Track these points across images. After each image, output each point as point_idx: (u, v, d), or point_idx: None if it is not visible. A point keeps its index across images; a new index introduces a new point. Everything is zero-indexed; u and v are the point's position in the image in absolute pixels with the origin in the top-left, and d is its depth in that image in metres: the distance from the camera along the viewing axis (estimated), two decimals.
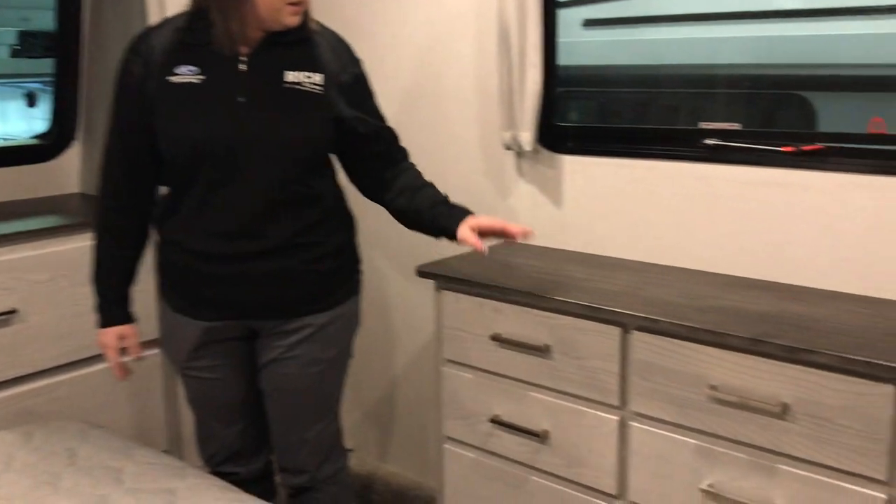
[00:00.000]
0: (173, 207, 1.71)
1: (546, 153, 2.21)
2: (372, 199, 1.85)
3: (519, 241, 1.73)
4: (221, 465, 1.92)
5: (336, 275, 1.80)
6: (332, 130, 1.71)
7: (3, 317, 2.16)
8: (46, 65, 2.83)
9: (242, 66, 1.65)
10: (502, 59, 2.13)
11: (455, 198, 2.34)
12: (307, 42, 1.70)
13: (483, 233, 1.73)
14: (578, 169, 2.18)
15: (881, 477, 1.43)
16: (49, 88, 2.85)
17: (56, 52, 2.74)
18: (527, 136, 2.12)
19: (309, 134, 1.68)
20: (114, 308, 1.83)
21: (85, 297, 2.30)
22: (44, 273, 2.24)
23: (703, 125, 2.03)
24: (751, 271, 1.91)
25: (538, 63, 2.08)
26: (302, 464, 1.89)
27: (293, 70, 1.66)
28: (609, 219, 2.14)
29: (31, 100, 8.86)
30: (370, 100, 1.81)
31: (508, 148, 2.19)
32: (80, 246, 2.31)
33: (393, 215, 1.84)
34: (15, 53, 10.35)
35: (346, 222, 1.84)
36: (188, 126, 1.64)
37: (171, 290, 1.79)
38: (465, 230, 1.73)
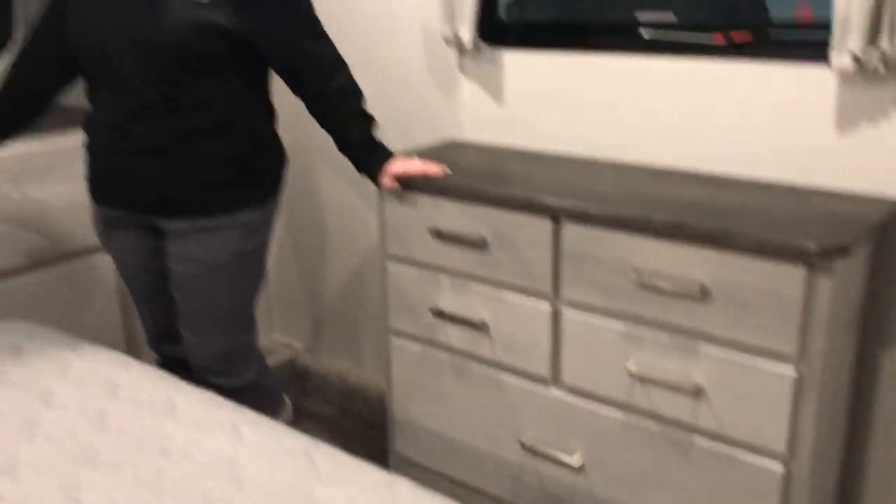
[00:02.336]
0: (88, 103, 1.83)
1: (487, 49, 2.20)
2: None
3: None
4: (159, 345, 2.07)
5: (222, 184, 1.80)
6: (209, 39, 1.67)
7: None
8: None
9: None
10: None
11: (396, 95, 2.35)
12: None
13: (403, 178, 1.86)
14: (519, 64, 2.18)
15: (792, 352, 1.51)
16: None
17: None
18: (466, 31, 2.10)
19: (177, 40, 1.66)
20: None
21: (31, 203, 2.32)
22: None
23: (639, 15, 2.02)
24: (681, 162, 1.95)
25: None
26: (204, 365, 1.95)
27: None
28: (549, 114, 2.15)
29: None
30: (278, 5, 1.72)
31: (448, 42, 2.17)
32: (23, 152, 2.29)
33: None
34: None
35: (244, 133, 1.81)
36: (77, 23, 1.76)
37: (87, 180, 1.92)
38: (386, 181, 1.87)
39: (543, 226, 1.77)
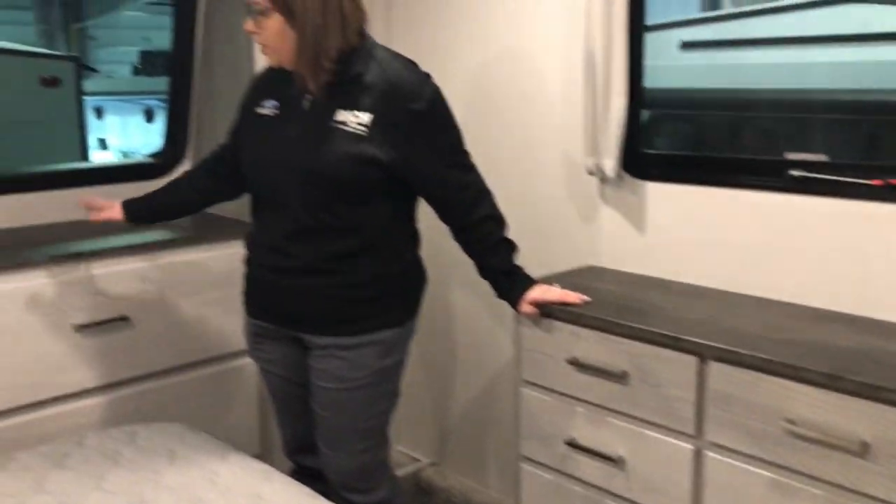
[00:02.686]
0: (252, 220, 1.97)
1: (630, 179, 2.23)
2: None
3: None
4: (296, 455, 2.12)
5: (367, 304, 1.87)
6: (367, 170, 1.77)
7: (116, 323, 2.34)
8: (165, 83, 3.02)
9: (307, 105, 1.80)
10: (587, 84, 2.16)
11: (537, 222, 2.41)
12: (360, 82, 1.77)
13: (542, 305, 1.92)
14: (662, 196, 2.19)
15: None
16: (165, 106, 3.04)
17: (171, 74, 2.93)
18: (610, 163, 2.15)
19: (337, 171, 1.76)
20: (138, 201, 2.14)
21: (190, 306, 2.49)
22: (153, 283, 2.41)
23: (790, 156, 2.01)
24: (833, 304, 1.88)
25: (623, 91, 2.11)
26: (339, 480, 1.98)
27: (344, 109, 1.77)
28: (691, 246, 2.14)
29: (149, 115, 9.44)
30: (428, 139, 1.79)
31: (591, 173, 2.22)
32: (186, 259, 2.49)
33: None
34: (136, 71, 11.06)
35: (391, 256, 1.88)
36: (251, 150, 1.90)
37: (242, 291, 2.05)
38: (525, 308, 1.92)
39: (688, 363, 1.73)
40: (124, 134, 9.60)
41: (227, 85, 2.72)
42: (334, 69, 1.75)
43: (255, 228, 1.96)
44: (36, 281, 2.21)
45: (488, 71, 2.53)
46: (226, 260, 2.54)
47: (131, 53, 12.77)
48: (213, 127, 2.83)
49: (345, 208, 1.80)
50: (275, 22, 1.73)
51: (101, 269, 2.32)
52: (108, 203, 2.14)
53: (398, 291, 1.93)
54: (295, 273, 1.87)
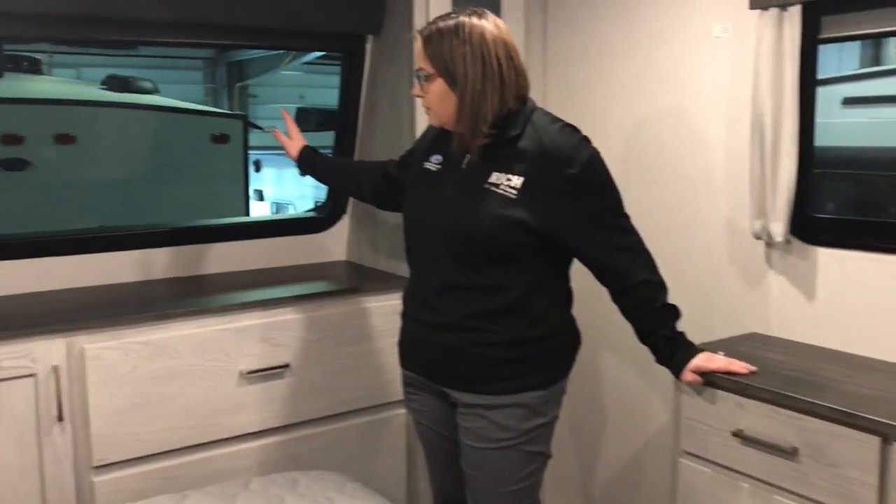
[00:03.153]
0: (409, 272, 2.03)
1: (798, 244, 2.14)
2: None
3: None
4: None
5: (512, 364, 1.84)
6: (514, 232, 1.77)
7: (278, 370, 2.45)
8: (318, 138, 3.17)
9: (465, 164, 1.84)
10: (754, 144, 2.10)
11: (698, 286, 2.34)
12: (515, 146, 1.79)
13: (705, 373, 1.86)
14: (833, 261, 2.08)
15: None
16: None
17: (336, 132, 3.08)
18: (778, 227, 2.06)
19: (484, 231, 1.77)
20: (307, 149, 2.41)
21: (347, 356, 2.57)
22: (314, 333, 2.51)
23: None
24: None
25: (794, 153, 2.03)
26: None
27: (498, 171, 1.79)
28: (866, 316, 2.01)
29: None
30: (583, 203, 1.78)
31: (758, 237, 2.14)
32: (346, 310, 2.58)
33: None
34: None
35: (539, 317, 1.86)
36: (410, 204, 1.97)
37: (398, 342, 2.09)
38: (688, 376, 1.87)
39: (870, 444, 1.62)
40: (279, 185, 10.13)
41: (388, 142, 2.83)
42: (492, 132, 1.79)
43: (410, 281, 2.01)
44: (208, 328, 2.35)
45: (645, 131, 2.51)
46: (382, 312, 2.61)
47: (286, 110, 13.50)
48: None
49: (492, 268, 1.82)
50: (438, 86, 1.80)
51: (267, 318, 2.44)
52: (295, 137, 2.44)
53: (546, 353, 1.90)
54: (442, 328, 1.89)
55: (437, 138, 1.96)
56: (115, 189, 4.85)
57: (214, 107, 10.44)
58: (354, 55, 2.87)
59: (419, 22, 2.55)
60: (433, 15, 2.51)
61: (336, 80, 3.06)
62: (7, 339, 2.08)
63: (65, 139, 4.71)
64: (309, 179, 2.58)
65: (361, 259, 3.04)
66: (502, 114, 1.78)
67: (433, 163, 1.93)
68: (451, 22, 1.78)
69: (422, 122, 2.58)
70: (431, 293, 1.89)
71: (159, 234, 2.78)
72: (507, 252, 1.80)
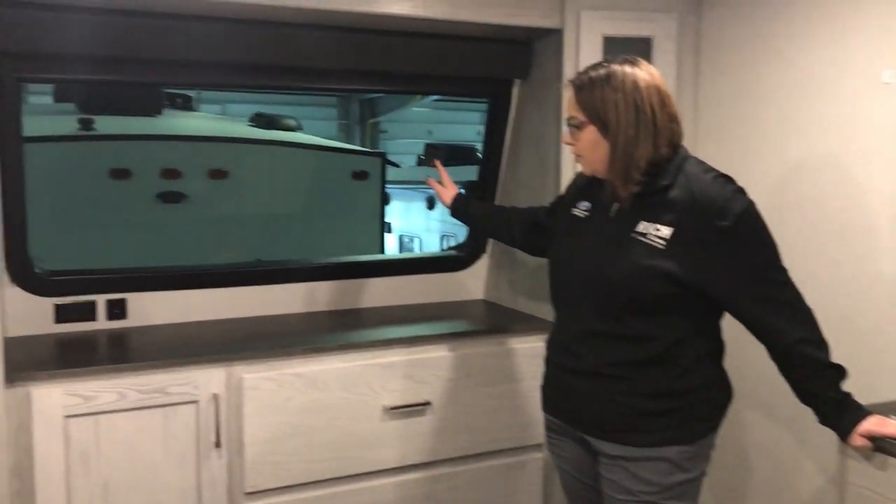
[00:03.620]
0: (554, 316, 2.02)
1: None
2: None
3: None
4: None
5: (655, 416, 1.79)
6: (660, 284, 1.72)
7: (419, 407, 2.49)
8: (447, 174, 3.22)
9: (613, 212, 1.82)
10: None
11: (862, 343, 2.21)
12: (665, 195, 1.75)
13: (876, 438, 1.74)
14: None
15: None
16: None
17: (479, 172, 3.14)
18: None
19: (628, 281, 1.73)
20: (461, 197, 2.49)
21: (486, 396, 2.59)
22: (455, 372, 2.54)
23: None
24: None
25: None
26: None
27: (646, 221, 1.75)
28: None
29: (431, 203, 10.14)
30: (736, 256, 1.72)
31: None
32: (487, 350, 2.60)
33: None
34: (419, 162, 12.02)
35: (686, 370, 1.79)
36: (557, 247, 1.97)
37: (540, 386, 2.06)
38: (857, 440, 1.76)
39: None
40: (405, 219, 10.37)
41: (531, 184, 2.86)
42: (643, 180, 1.77)
43: (554, 326, 2.00)
44: (355, 362, 2.42)
45: (803, 179, 2.41)
46: (523, 354, 2.62)
47: (414, 145, 13.94)
48: None
49: (635, 318, 1.78)
50: (589, 134, 1.79)
51: (411, 356, 2.49)
52: (448, 185, 2.53)
53: (694, 406, 1.83)
54: (582, 374, 1.86)
55: (586, 185, 1.96)
56: (262, 222, 5.11)
57: (347, 142, 10.83)
58: (501, 99, 2.92)
59: (568, 66, 2.57)
60: (583, 58, 2.55)
61: (463, 116, 3.18)
62: (174, 366, 2.21)
63: (218, 174, 5.02)
64: (435, 214, 2.66)
65: (500, 299, 3.06)
66: (654, 161, 1.76)
67: (581, 209, 1.93)
68: (602, 71, 1.78)
69: (567, 166, 2.59)
70: (574, 339, 1.88)
71: (309, 268, 2.91)
72: (652, 303, 1.76)
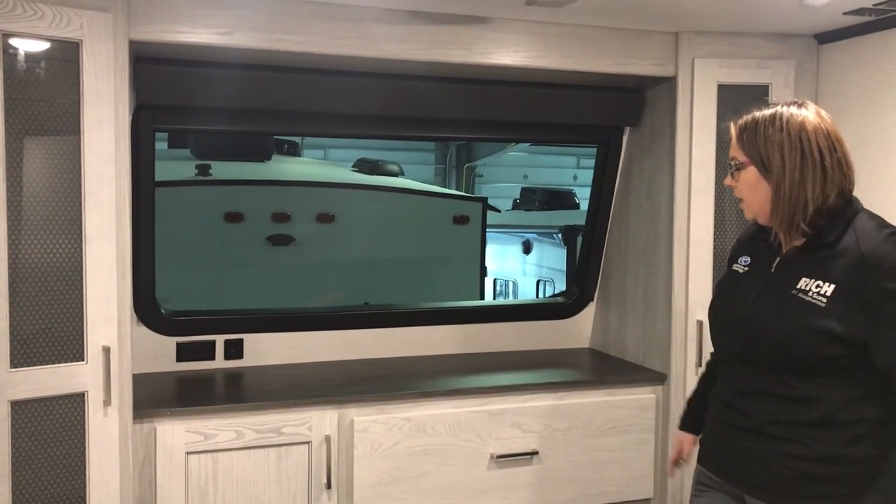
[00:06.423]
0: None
1: None
2: None
3: None
4: None
5: (819, 482, 1.69)
6: (821, 344, 1.64)
7: (526, 456, 2.46)
8: (542, 217, 3.22)
9: (774, 268, 1.75)
10: None
11: None
12: (831, 250, 1.67)
13: None
14: None
15: None
16: (544, 240, 3.23)
17: (588, 217, 3.12)
18: None
19: (789, 341, 1.66)
20: (685, 418, 2.07)
21: (594, 448, 2.54)
22: (563, 421, 2.51)
23: None
24: None
25: None
26: None
27: (808, 277, 1.67)
28: None
29: (527, 247, 10.12)
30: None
31: None
32: (595, 401, 2.56)
33: None
34: (515, 205, 12.04)
35: (858, 437, 1.69)
36: (716, 303, 1.90)
37: (700, 438, 1.98)
38: None
39: None
40: (501, 262, 10.37)
41: (641, 230, 2.82)
42: (808, 232, 1.68)
43: (719, 378, 1.93)
44: (463, 408, 2.43)
45: None
46: (631, 406, 2.57)
47: (510, 189, 14.00)
48: (622, 274, 2.93)
49: (797, 378, 1.70)
50: (749, 175, 1.73)
51: (519, 403, 2.48)
52: (686, 445, 2.09)
53: (866, 476, 1.70)
54: (742, 432, 1.78)
55: (748, 239, 1.89)
56: (365, 266, 5.22)
57: (444, 186, 10.99)
58: (612, 145, 2.91)
59: (681, 114, 2.55)
60: (696, 106, 2.52)
61: (559, 160, 3.16)
62: (289, 407, 2.27)
63: (326, 218, 5.17)
64: (531, 258, 2.60)
65: (606, 348, 3.01)
66: (822, 211, 1.68)
67: (741, 264, 1.87)
68: (767, 112, 1.72)
69: (681, 215, 2.55)
70: (733, 394, 1.82)
71: (416, 313, 2.95)
72: (813, 364, 1.68)
